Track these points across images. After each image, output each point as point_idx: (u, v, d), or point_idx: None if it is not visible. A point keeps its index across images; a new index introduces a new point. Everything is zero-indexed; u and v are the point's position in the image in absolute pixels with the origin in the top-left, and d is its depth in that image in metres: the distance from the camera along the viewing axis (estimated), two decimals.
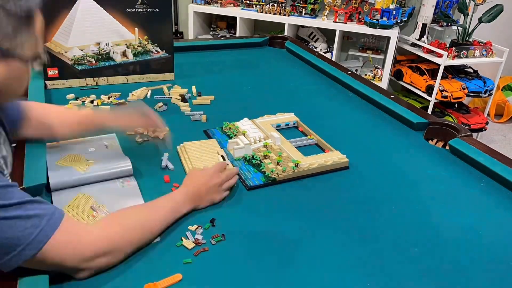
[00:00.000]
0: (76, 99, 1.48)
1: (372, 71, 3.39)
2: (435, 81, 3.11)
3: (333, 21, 3.25)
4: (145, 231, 0.85)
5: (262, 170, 1.12)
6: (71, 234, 0.75)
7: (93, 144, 1.15)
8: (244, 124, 1.33)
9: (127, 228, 0.83)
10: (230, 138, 1.26)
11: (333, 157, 1.18)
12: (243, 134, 1.27)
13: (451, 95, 3.11)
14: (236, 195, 1.05)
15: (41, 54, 0.79)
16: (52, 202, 0.95)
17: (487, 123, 3.29)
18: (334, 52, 3.34)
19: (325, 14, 3.30)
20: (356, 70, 3.45)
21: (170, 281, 0.77)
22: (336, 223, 0.97)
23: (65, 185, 1.00)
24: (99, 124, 1.14)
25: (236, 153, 1.18)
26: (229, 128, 1.32)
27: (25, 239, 0.68)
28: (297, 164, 1.12)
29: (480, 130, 3.24)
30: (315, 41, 3.55)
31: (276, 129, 1.33)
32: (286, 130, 1.38)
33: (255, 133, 1.28)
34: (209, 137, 1.29)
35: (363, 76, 3.31)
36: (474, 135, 3.24)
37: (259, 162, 1.14)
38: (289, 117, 1.42)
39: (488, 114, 3.73)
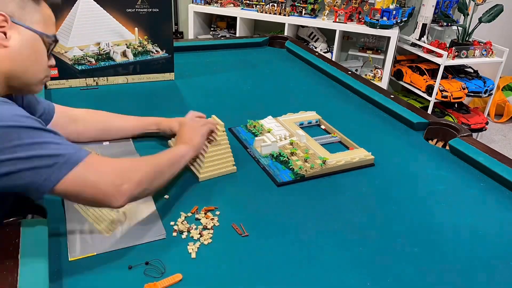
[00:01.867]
0: None
1: (372, 71, 3.39)
2: (435, 81, 3.11)
3: (333, 21, 3.25)
4: (157, 170, 0.92)
5: (291, 167, 1.15)
6: (101, 159, 0.87)
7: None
8: (268, 122, 1.36)
9: (140, 162, 0.93)
10: (256, 136, 1.29)
11: (359, 154, 1.21)
12: (269, 132, 1.29)
13: (451, 95, 3.11)
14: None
15: (53, 37, 0.85)
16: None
17: (487, 123, 3.29)
18: (334, 52, 3.34)
19: (325, 14, 3.30)
20: (356, 70, 3.45)
21: (170, 281, 0.77)
22: (336, 222, 0.97)
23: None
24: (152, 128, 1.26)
25: (264, 150, 1.21)
26: (254, 126, 1.34)
27: (64, 155, 0.76)
28: (325, 161, 1.15)
29: (480, 130, 3.24)
30: (315, 41, 3.55)
31: (300, 127, 1.35)
32: (308, 128, 1.40)
33: (280, 130, 1.31)
34: (235, 136, 1.32)
35: (363, 76, 3.31)
36: (474, 135, 3.24)
37: (287, 159, 1.17)
38: (311, 116, 1.45)
39: (488, 114, 3.73)
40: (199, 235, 0.89)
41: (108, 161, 0.86)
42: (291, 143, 1.25)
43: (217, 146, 1.11)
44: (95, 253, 0.84)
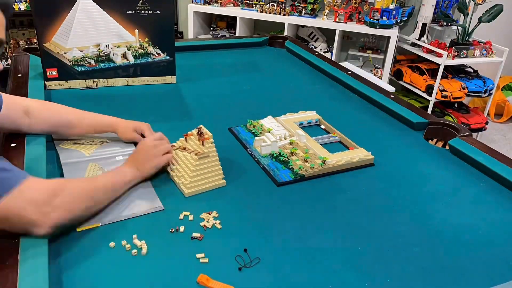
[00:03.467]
0: None
1: (372, 71, 3.39)
2: (435, 81, 3.11)
3: (333, 21, 3.25)
4: (90, 197, 0.91)
5: (290, 166, 1.15)
6: (34, 185, 0.82)
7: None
8: (268, 122, 1.36)
9: (76, 186, 0.90)
10: (255, 135, 1.29)
11: (358, 154, 1.21)
12: (269, 132, 1.29)
13: (451, 95, 3.11)
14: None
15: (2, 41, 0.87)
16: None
17: (487, 123, 3.29)
18: (334, 52, 3.34)
19: (325, 14, 3.30)
20: None
21: (223, 286, 0.77)
22: (335, 222, 0.97)
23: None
24: (108, 130, 1.24)
25: (263, 150, 1.21)
26: (254, 126, 1.35)
27: None
28: (325, 160, 1.15)
29: (480, 130, 3.24)
30: (315, 41, 3.55)
31: (299, 127, 1.35)
32: (308, 128, 1.40)
33: (280, 130, 1.31)
34: (234, 135, 1.32)
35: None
36: (474, 135, 3.24)
37: (287, 159, 1.17)
38: (311, 115, 1.45)
39: (488, 114, 3.73)
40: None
41: (40, 187, 0.83)
42: (291, 143, 1.25)
43: (205, 159, 1.05)
44: (100, 224, 0.90)
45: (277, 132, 1.29)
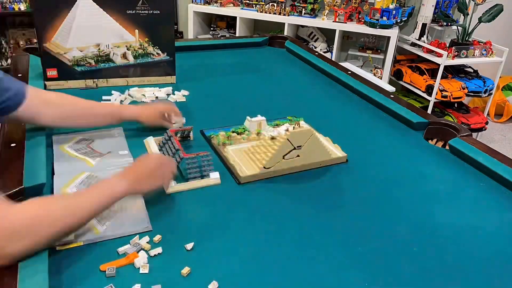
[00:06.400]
0: None
1: (372, 70, 3.39)
2: (435, 81, 3.11)
3: (333, 21, 3.25)
4: (70, 216, 0.80)
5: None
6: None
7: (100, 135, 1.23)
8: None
9: (49, 211, 0.78)
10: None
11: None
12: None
13: (451, 95, 3.11)
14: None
15: None
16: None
17: (487, 123, 3.29)
18: (334, 52, 3.34)
19: (325, 14, 3.30)
20: None
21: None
22: (336, 222, 0.97)
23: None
24: (126, 118, 1.25)
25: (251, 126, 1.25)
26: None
27: None
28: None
29: (480, 130, 3.24)
30: (315, 41, 3.55)
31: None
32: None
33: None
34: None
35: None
36: (474, 135, 3.24)
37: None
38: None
39: (488, 114, 3.73)
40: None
41: (5, 216, 0.73)
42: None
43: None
44: (82, 243, 0.84)
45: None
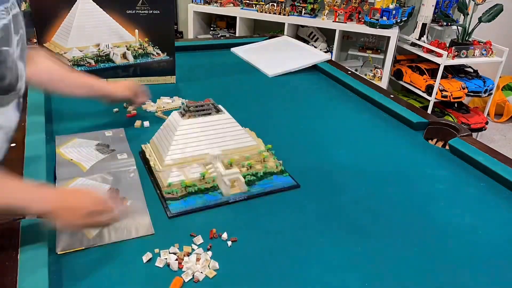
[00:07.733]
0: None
1: (372, 70, 3.39)
2: (435, 81, 3.11)
3: (333, 21, 3.25)
4: None
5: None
6: None
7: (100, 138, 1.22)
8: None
9: None
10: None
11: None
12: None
13: (451, 95, 3.11)
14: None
15: None
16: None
17: (487, 123, 3.29)
18: (334, 51, 3.34)
19: (325, 14, 3.30)
20: (356, 70, 3.45)
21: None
22: (336, 222, 0.97)
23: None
24: (101, 91, 1.26)
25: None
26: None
27: None
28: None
29: (480, 129, 3.24)
30: (315, 41, 3.55)
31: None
32: None
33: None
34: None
35: (363, 76, 3.31)
36: (474, 134, 3.24)
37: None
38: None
39: (488, 114, 3.73)
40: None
41: None
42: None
43: None
44: (83, 248, 0.84)
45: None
